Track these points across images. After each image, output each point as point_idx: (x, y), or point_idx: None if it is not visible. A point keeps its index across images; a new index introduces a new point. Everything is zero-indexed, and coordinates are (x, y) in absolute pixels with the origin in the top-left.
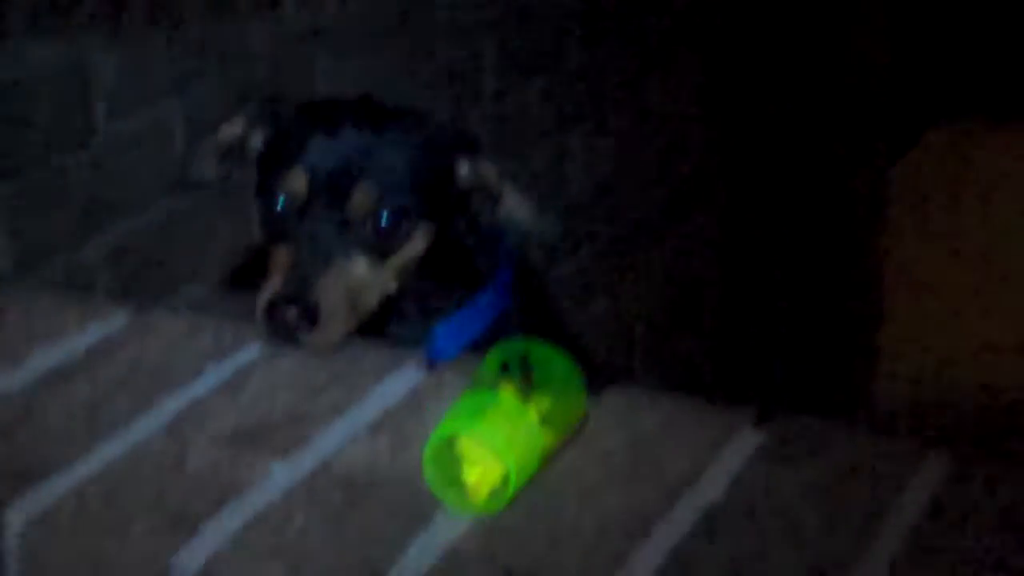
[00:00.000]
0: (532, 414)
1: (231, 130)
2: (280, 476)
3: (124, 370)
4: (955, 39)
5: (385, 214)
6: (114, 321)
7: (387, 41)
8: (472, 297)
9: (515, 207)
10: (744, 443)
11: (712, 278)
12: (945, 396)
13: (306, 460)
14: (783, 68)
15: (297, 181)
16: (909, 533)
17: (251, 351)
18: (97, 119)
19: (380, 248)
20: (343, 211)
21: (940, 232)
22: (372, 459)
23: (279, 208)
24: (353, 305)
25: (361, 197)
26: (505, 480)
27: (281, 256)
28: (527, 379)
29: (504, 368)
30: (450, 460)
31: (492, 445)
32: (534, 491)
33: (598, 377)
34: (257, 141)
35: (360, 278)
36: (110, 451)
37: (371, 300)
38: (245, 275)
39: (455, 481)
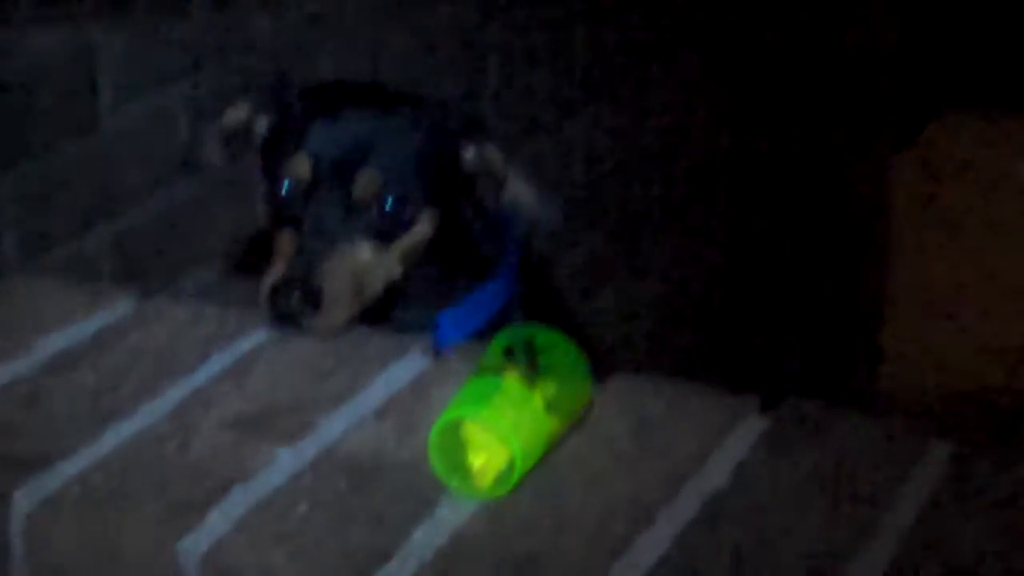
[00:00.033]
0: (537, 400)
1: (235, 115)
2: (285, 462)
3: (129, 357)
4: (960, 27)
5: (390, 199)
6: (119, 308)
7: (390, 29)
8: (477, 284)
9: (520, 192)
10: (748, 430)
11: (716, 268)
12: (948, 387)
13: (311, 446)
14: (786, 59)
15: (301, 166)
16: (912, 521)
17: (256, 338)
18: (102, 106)
19: (385, 233)
20: (348, 196)
21: (943, 222)
22: (377, 445)
23: (283, 193)
24: (357, 290)
25: (365, 182)
26: (510, 465)
27: (285, 241)
28: (532, 365)
29: (509, 354)
30: (455, 445)
31: (497, 430)
32: (539, 476)
33: (603, 364)
34: (261, 126)
35: (365, 263)
36: (116, 437)
37: (376, 285)
38: (248, 261)
39: (460, 466)
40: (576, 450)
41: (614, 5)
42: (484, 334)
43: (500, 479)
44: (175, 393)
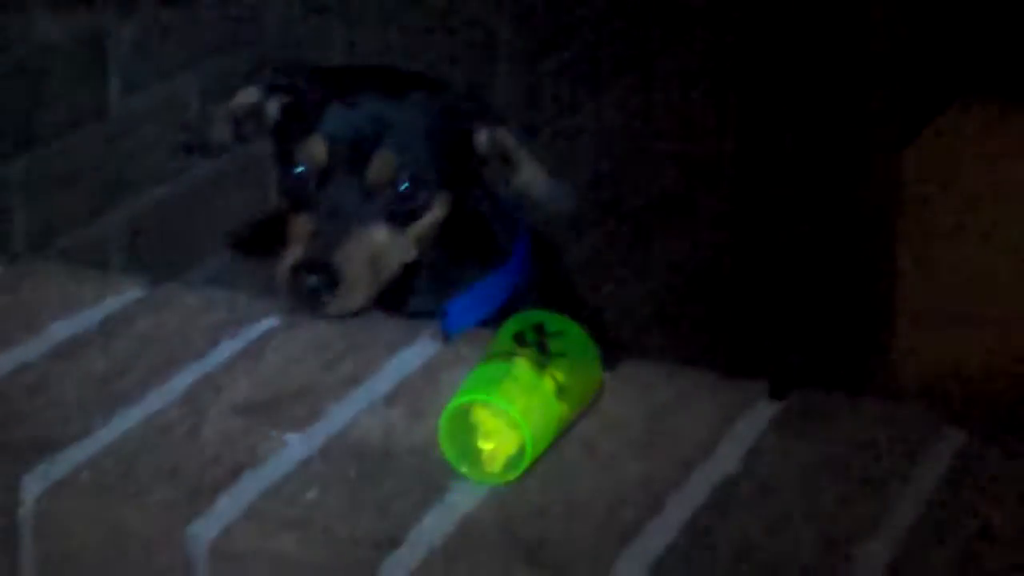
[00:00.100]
0: (547, 385)
1: (246, 97)
2: (295, 447)
3: (139, 342)
4: (969, 18)
5: (405, 182)
6: (129, 294)
7: (401, 14)
8: (488, 270)
9: (532, 176)
10: (759, 415)
11: (726, 256)
12: (959, 375)
13: (321, 432)
14: (796, 47)
15: (316, 148)
16: (923, 506)
17: (265, 324)
18: (112, 94)
19: (400, 216)
20: (363, 178)
21: (955, 212)
22: (387, 430)
23: (298, 176)
24: (375, 273)
25: (380, 164)
26: (520, 451)
27: (300, 224)
28: (542, 350)
29: (519, 339)
30: (465, 431)
31: (508, 415)
32: (549, 462)
33: (613, 351)
34: (274, 109)
35: (382, 245)
36: (125, 422)
37: (392, 268)
38: (255, 246)
39: (470, 452)
40: (586, 436)
41: None
42: (495, 320)
43: (510, 464)
44: (184, 379)
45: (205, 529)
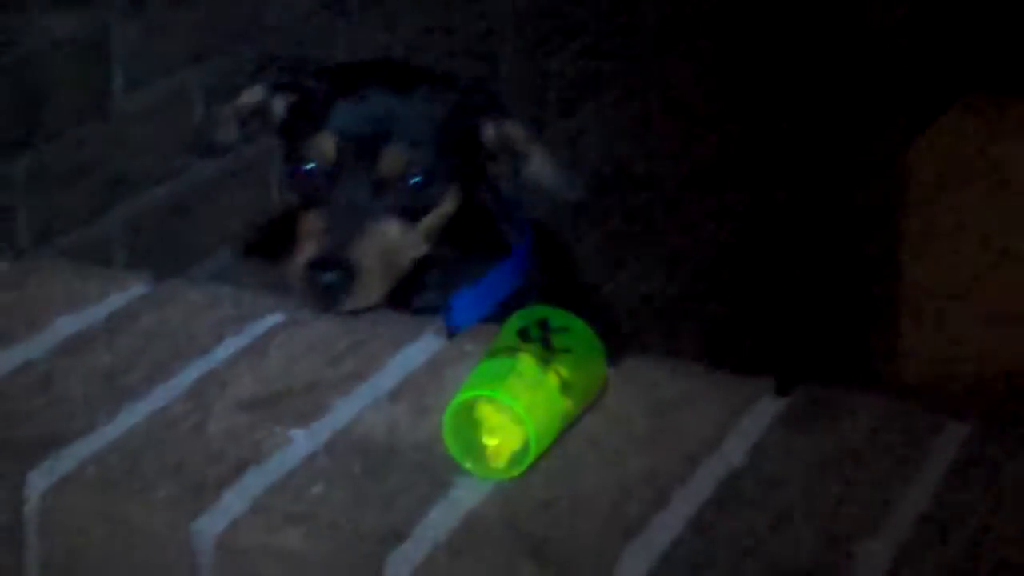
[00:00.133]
0: (552, 380)
1: (250, 96)
2: (300, 443)
3: (144, 338)
4: (974, 14)
5: (415, 177)
6: (134, 291)
7: (406, 10)
8: (494, 265)
9: (542, 166)
10: (764, 411)
11: (732, 252)
12: (964, 370)
13: (326, 427)
14: (804, 41)
15: (326, 144)
16: (927, 502)
17: (270, 320)
18: (116, 90)
19: (411, 210)
20: (373, 174)
21: (961, 206)
22: (392, 425)
23: (308, 173)
24: (388, 268)
25: (390, 159)
26: (525, 446)
27: (311, 221)
28: (547, 345)
29: (524, 334)
30: (470, 426)
31: (512, 411)
32: (554, 457)
33: (618, 346)
34: (280, 107)
35: (394, 240)
36: (130, 418)
37: (404, 263)
38: (266, 249)
39: (475, 447)
40: (591, 431)
41: None
42: (500, 316)
43: (514, 460)
44: (190, 374)
45: (210, 524)
